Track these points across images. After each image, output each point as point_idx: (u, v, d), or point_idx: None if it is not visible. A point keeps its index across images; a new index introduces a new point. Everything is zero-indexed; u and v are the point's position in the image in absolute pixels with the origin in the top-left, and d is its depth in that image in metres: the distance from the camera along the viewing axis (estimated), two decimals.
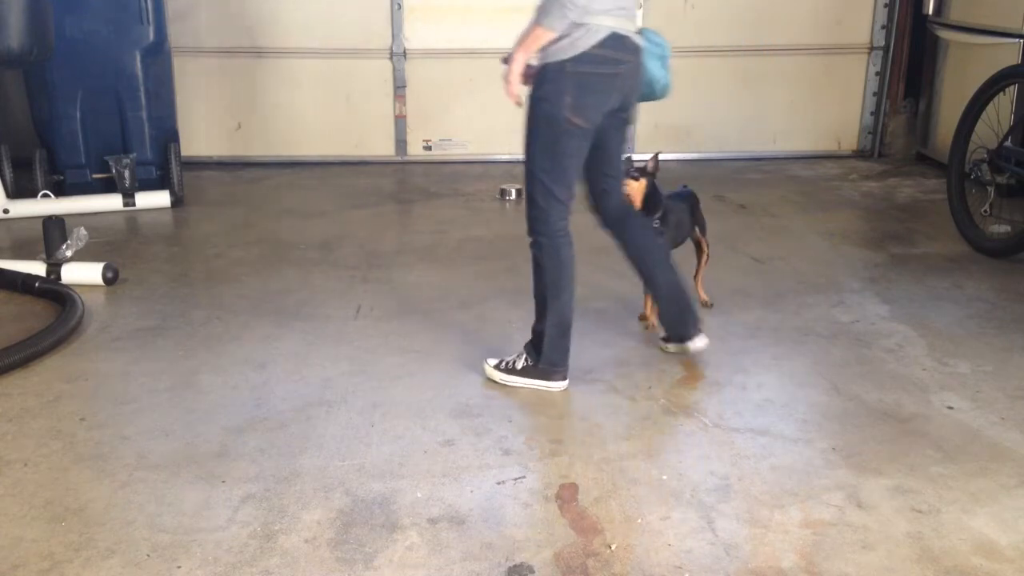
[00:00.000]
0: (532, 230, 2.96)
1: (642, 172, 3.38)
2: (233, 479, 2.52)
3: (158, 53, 5.36)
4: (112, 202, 5.16)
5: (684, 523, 2.33)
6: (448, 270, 4.26)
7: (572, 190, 2.94)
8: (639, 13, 6.26)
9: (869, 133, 6.67)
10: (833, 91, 6.57)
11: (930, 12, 6.05)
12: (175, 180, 5.37)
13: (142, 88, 5.28)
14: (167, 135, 5.47)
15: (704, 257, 3.78)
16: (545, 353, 3.03)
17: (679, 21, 6.34)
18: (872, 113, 6.62)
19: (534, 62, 2.81)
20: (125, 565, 2.17)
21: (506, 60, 2.82)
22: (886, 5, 6.40)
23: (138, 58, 5.23)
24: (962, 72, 5.76)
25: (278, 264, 4.34)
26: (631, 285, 4.04)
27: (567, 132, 2.82)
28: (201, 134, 6.27)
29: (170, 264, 4.36)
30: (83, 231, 4.09)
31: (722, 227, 4.94)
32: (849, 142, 6.70)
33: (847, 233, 4.92)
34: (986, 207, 4.60)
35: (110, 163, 5.20)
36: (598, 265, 4.34)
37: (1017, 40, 5.19)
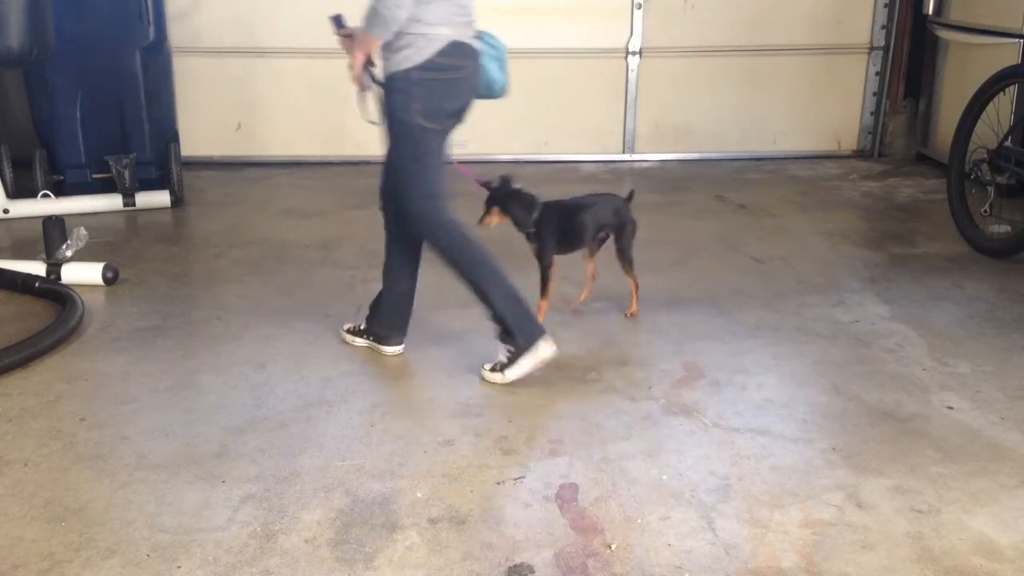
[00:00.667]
0: (423, 234, 3.12)
1: (487, 188, 3.40)
2: (233, 479, 2.53)
3: (158, 53, 5.36)
4: (112, 202, 5.16)
5: (684, 523, 2.33)
6: (447, 270, 4.25)
7: (443, 185, 3.07)
8: (639, 14, 6.33)
9: (869, 133, 6.67)
10: (833, 91, 6.57)
11: (930, 12, 6.05)
12: (175, 180, 5.37)
13: (142, 88, 5.28)
14: (167, 135, 5.47)
15: (623, 263, 3.68)
16: (516, 331, 3.05)
17: (679, 21, 6.34)
18: (872, 113, 6.62)
19: (377, 61, 2.97)
20: (125, 565, 2.17)
21: (338, 22, 2.99)
22: (886, 5, 6.40)
23: (138, 58, 5.24)
24: (962, 72, 5.76)
25: (278, 264, 4.34)
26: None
27: (424, 135, 2.97)
28: (201, 134, 6.27)
29: (170, 264, 4.36)
30: (83, 231, 4.09)
31: (722, 227, 4.95)
32: (849, 142, 6.70)
33: (847, 233, 4.92)
34: (986, 207, 4.60)
35: (110, 163, 5.20)
36: (598, 266, 4.34)
37: (1017, 40, 5.19)
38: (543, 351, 3.06)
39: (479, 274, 3.07)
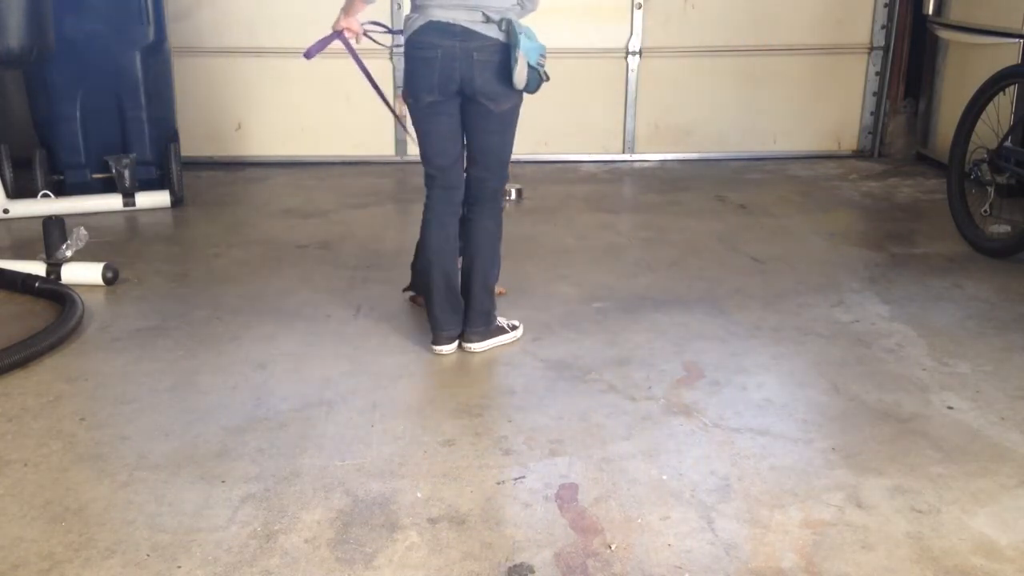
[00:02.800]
0: None
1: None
2: (233, 479, 2.53)
3: (158, 53, 5.36)
4: (112, 202, 5.16)
5: (684, 523, 2.33)
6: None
7: (433, 163, 3.24)
8: (639, 14, 6.32)
9: (869, 133, 6.67)
10: (833, 91, 6.57)
11: (930, 12, 6.05)
12: (175, 180, 5.37)
13: (142, 88, 5.28)
14: (167, 135, 5.47)
15: None
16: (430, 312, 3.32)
17: (679, 21, 6.34)
18: (872, 113, 6.62)
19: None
20: (125, 565, 2.17)
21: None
22: (886, 5, 6.40)
23: (138, 58, 5.23)
24: (962, 72, 5.76)
25: (278, 264, 4.34)
26: (631, 285, 4.05)
27: (411, 109, 3.20)
28: (201, 134, 6.26)
29: (170, 264, 4.36)
30: (83, 231, 4.09)
31: (722, 227, 4.95)
32: (849, 142, 6.70)
33: (847, 233, 4.92)
34: (986, 207, 4.59)
35: (110, 163, 5.20)
36: (598, 265, 4.34)
37: (1017, 40, 5.19)
38: (435, 346, 3.33)
39: (421, 260, 3.34)
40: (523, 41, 3.02)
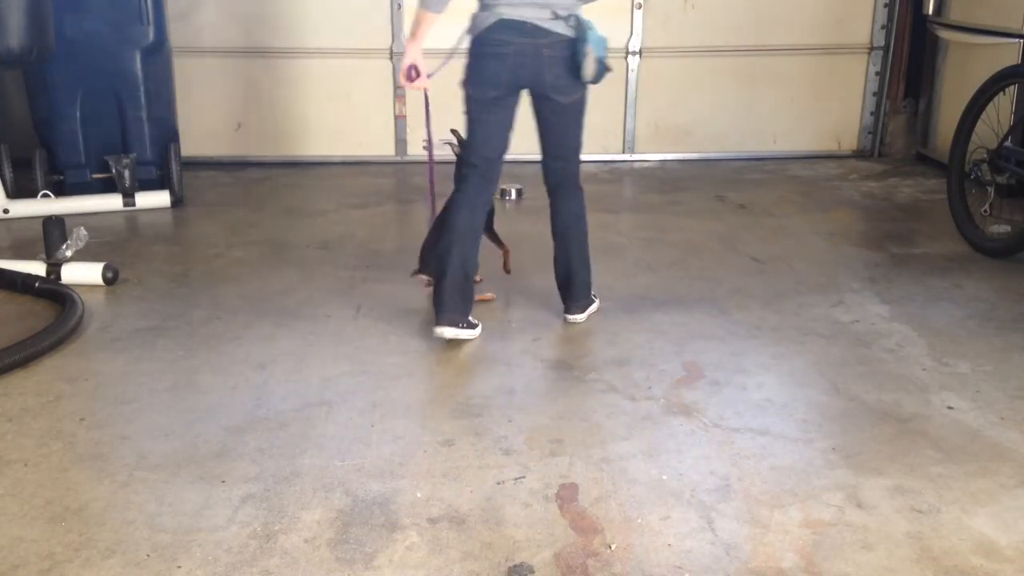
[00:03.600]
0: None
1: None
2: (233, 479, 2.53)
3: (158, 53, 5.36)
4: (112, 202, 5.16)
5: (684, 523, 2.33)
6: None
7: (480, 154, 3.34)
8: (638, 14, 6.32)
9: (869, 133, 6.67)
10: (833, 91, 6.57)
11: (930, 12, 6.05)
12: (175, 180, 5.37)
13: (142, 88, 5.28)
14: (167, 135, 5.47)
15: None
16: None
17: (679, 21, 6.34)
18: (872, 113, 6.62)
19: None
20: (125, 565, 2.17)
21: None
22: (886, 5, 6.40)
23: (138, 58, 5.23)
24: (962, 72, 5.76)
25: (278, 264, 4.34)
26: (631, 285, 4.05)
27: (470, 101, 3.29)
28: (201, 134, 6.26)
29: (170, 264, 4.36)
30: (83, 231, 4.09)
31: (722, 227, 4.95)
32: (849, 142, 6.70)
33: (847, 233, 4.92)
34: (986, 207, 4.59)
35: (110, 163, 5.20)
36: (598, 265, 4.35)
37: (1017, 40, 5.19)
38: (435, 329, 3.38)
39: (443, 241, 3.37)
40: (592, 35, 3.16)
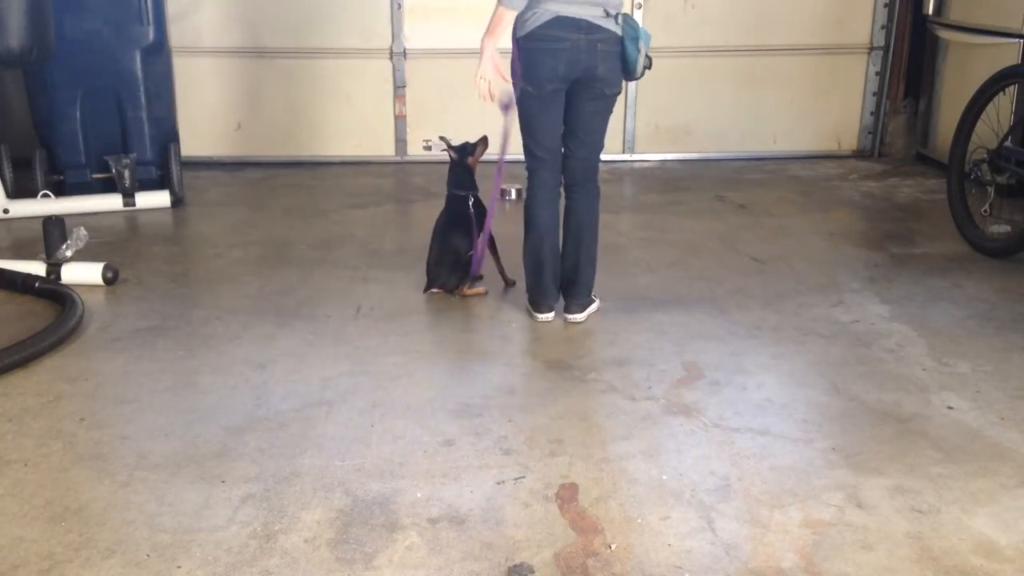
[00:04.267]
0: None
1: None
2: (233, 479, 2.53)
3: (158, 53, 5.36)
4: (112, 202, 5.16)
5: (684, 523, 2.33)
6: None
7: (544, 147, 3.48)
8: (639, 14, 6.32)
9: (869, 133, 6.67)
10: (833, 91, 6.57)
11: (930, 12, 6.05)
12: (175, 180, 5.37)
13: (142, 88, 5.28)
14: (167, 135, 5.47)
15: None
16: (527, 286, 3.64)
17: (679, 21, 6.34)
18: (872, 113, 6.62)
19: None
20: (125, 565, 2.17)
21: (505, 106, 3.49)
22: (886, 5, 6.40)
23: (138, 58, 5.23)
24: (962, 72, 5.76)
25: (278, 264, 4.34)
26: (631, 285, 4.05)
27: (528, 97, 3.41)
28: (201, 134, 6.26)
29: (170, 264, 4.36)
30: (83, 231, 4.09)
31: (722, 227, 4.95)
32: (849, 142, 6.70)
33: (847, 233, 4.92)
34: (986, 207, 4.59)
35: (110, 163, 5.20)
36: (598, 265, 4.35)
37: (1017, 40, 5.19)
38: (536, 315, 3.63)
39: (526, 234, 3.58)
40: (643, 32, 3.40)
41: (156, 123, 5.38)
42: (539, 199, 3.53)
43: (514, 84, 3.41)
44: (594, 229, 3.59)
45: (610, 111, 3.51)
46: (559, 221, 3.56)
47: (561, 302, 3.64)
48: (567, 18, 3.27)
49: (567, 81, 3.36)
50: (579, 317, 3.61)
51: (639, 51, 3.36)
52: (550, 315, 3.61)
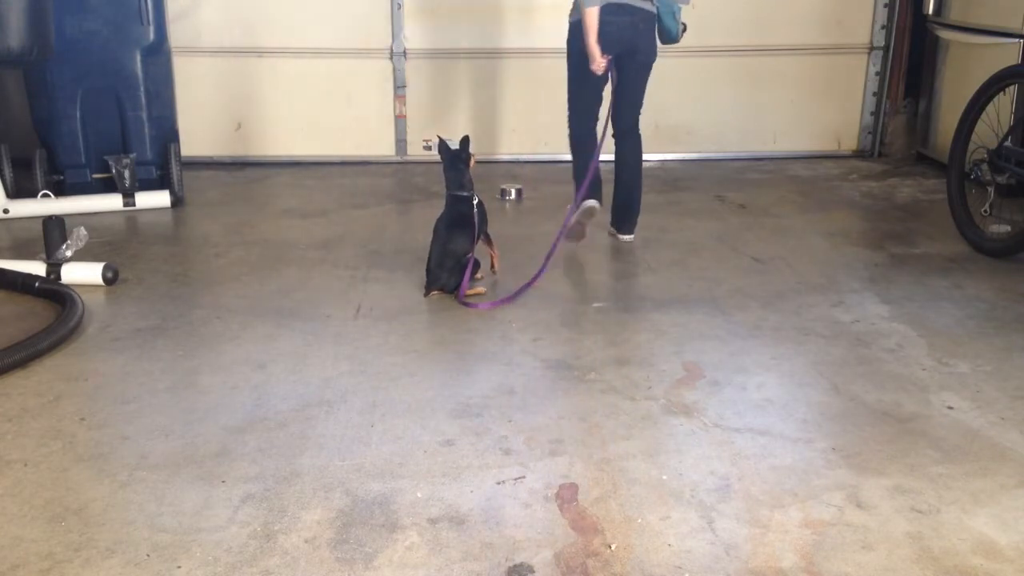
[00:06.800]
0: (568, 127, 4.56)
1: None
2: (233, 479, 2.53)
3: (158, 53, 5.36)
4: (112, 202, 5.16)
5: (684, 523, 2.33)
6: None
7: (585, 105, 4.43)
8: None
9: (869, 133, 6.67)
10: (833, 91, 6.58)
11: (930, 12, 6.05)
12: (175, 180, 5.37)
13: (142, 88, 5.28)
14: (167, 135, 5.47)
15: None
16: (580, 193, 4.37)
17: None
18: (872, 113, 6.62)
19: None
20: (125, 565, 2.17)
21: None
22: (886, 5, 6.40)
23: (138, 58, 5.24)
24: (962, 72, 5.76)
25: (278, 264, 4.34)
26: (631, 285, 4.05)
27: (577, 68, 4.32)
28: (201, 134, 6.27)
29: (170, 264, 4.36)
30: (83, 231, 4.09)
31: (722, 227, 4.95)
32: (849, 142, 6.70)
33: (847, 233, 4.92)
34: (986, 207, 4.59)
35: (110, 163, 5.20)
36: (598, 265, 4.35)
37: (1017, 40, 5.19)
38: (584, 203, 4.34)
39: (574, 160, 4.53)
40: (675, 6, 4.34)
41: (156, 123, 5.39)
42: (579, 133, 4.47)
43: (569, 57, 4.32)
44: (639, 165, 4.54)
45: (648, 74, 4.40)
46: (596, 140, 4.39)
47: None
48: (618, 4, 4.16)
49: (613, 53, 4.20)
50: (629, 237, 4.61)
51: (677, 22, 4.31)
52: (597, 204, 4.36)
